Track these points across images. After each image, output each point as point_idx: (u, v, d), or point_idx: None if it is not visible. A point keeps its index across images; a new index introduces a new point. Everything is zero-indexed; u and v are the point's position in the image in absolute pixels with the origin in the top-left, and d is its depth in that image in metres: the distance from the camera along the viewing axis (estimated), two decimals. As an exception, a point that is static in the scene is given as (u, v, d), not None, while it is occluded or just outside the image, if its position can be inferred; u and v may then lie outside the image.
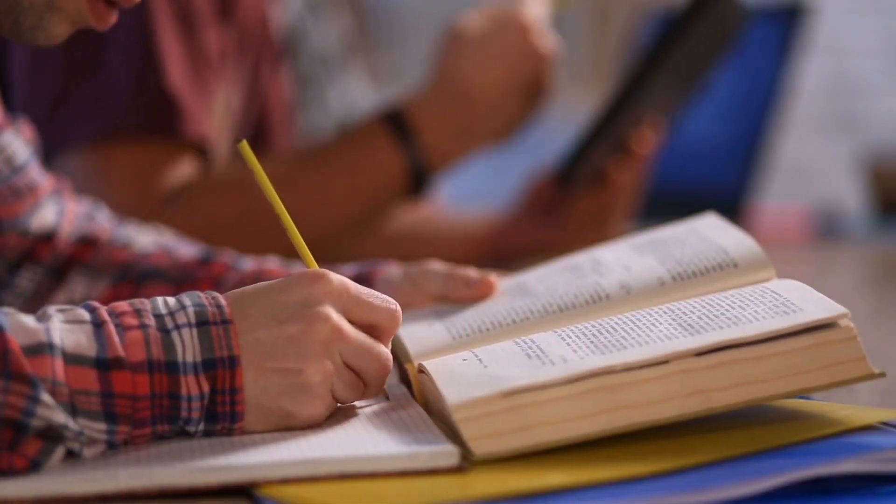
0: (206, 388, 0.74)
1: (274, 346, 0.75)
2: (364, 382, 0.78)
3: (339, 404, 0.79)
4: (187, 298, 0.76)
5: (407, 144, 1.35)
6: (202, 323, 0.75)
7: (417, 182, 1.38)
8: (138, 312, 0.75)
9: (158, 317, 0.75)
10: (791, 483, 0.68)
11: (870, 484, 0.70)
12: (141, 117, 1.28)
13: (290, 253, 0.87)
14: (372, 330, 0.79)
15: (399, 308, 0.80)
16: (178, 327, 0.75)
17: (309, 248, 0.83)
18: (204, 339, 0.75)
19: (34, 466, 0.70)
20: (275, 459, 0.71)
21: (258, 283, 0.78)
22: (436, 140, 1.37)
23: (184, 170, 1.31)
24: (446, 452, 0.72)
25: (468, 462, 0.72)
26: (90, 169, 1.28)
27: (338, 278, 0.78)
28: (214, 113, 1.35)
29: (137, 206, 1.27)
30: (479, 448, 0.73)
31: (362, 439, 0.75)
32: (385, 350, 0.79)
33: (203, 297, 0.76)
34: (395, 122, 1.36)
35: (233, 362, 0.75)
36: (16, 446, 0.70)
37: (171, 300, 0.76)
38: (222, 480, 0.71)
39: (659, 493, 0.67)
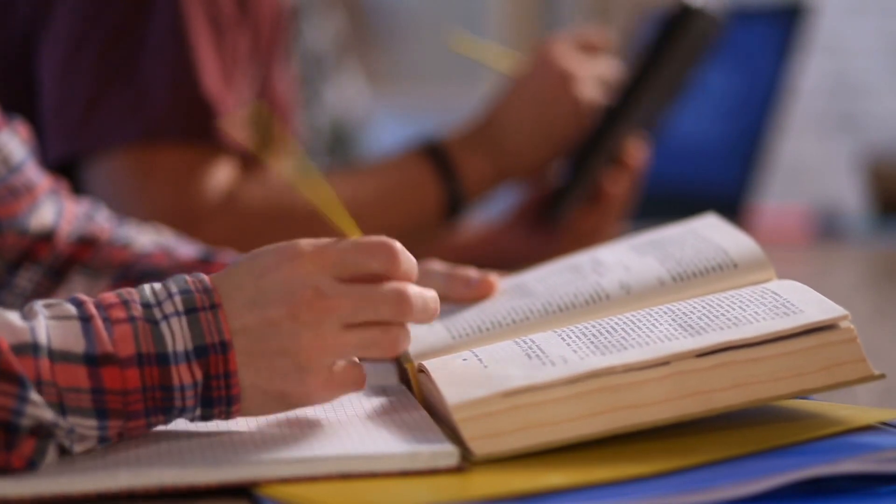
0: (199, 375, 0.74)
1: (261, 330, 0.75)
2: (387, 325, 0.76)
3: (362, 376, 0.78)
4: (174, 285, 0.76)
5: (447, 179, 1.42)
6: (191, 310, 0.74)
7: (452, 211, 1.44)
8: (126, 304, 0.74)
9: (146, 307, 0.75)
10: (791, 483, 0.68)
11: (870, 484, 0.70)
12: (178, 121, 1.29)
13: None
14: (374, 278, 0.77)
15: (395, 243, 0.77)
16: (166, 317, 0.74)
17: None
18: (194, 327, 0.74)
19: (31, 466, 0.70)
20: (275, 459, 0.71)
21: (239, 263, 0.77)
22: (473, 176, 1.44)
23: (222, 173, 1.32)
24: (447, 452, 0.72)
25: (468, 462, 0.72)
26: (129, 173, 1.29)
27: (313, 249, 0.76)
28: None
29: (177, 210, 1.28)
30: (480, 448, 0.73)
31: (362, 439, 0.75)
32: (392, 286, 0.76)
33: (190, 281, 0.76)
34: (437, 157, 1.42)
35: (224, 347, 0.74)
36: (11, 447, 0.70)
37: (158, 287, 0.76)
38: (222, 480, 0.71)
39: (659, 493, 0.67)
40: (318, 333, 0.75)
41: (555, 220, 1.52)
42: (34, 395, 0.70)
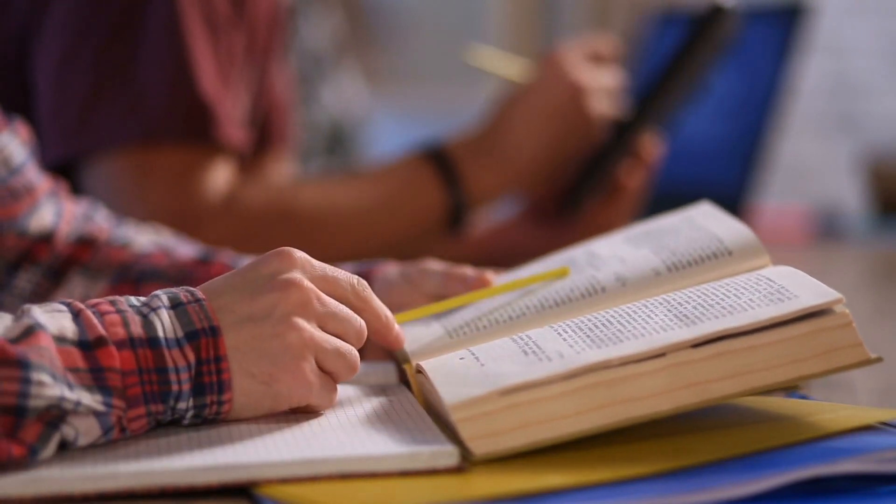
0: (191, 357, 0.75)
1: (251, 315, 0.77)
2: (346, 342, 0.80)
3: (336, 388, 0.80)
4: (159, 291, 0.78)
5: (451, 186, 1.41)
6: (177, 305, 0.77)
7: (455, 218, 1.43)
8: (113, 302, 0.77)
9: (133, 306, 0.77)
10: (791, 483, 0.68)
11: (870, 484, 0.70)
12: (176, 122, 1.29)
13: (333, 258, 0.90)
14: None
15: (363, 325, 0.81)
16: (154, 310, 0.76)
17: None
18: (182, 317, 0.76)
19: (33, 453, 0.71)
20: (275, 459, 0.71)
21: (219, 277, 0.81)
22: (477, 184, 1.43)
23: (220, 174, 1.32)
24: (447, 452, 0.72)
25: (468, 462, 0.72)
26: (127, 174, 1.29)
27: (301, 253, 0.80)
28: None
29: (176, 211, 1.28)
30: (479, 448, 0.73)
31: (362, 439, 0.75)
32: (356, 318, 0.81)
33: (174, 289, 0.79)
34: (441, 163, 1.41)
35: (214, 331, 0.76)
36: (16, 431, 0.70)
37: (143, 297, 0.78)
38: (222, 480, 0.71)
39: (658, 493, 0.67)
40: (306, 320, 0.78)
41: (572, 212, 1.52)
42: (37, 376, 0.71)
